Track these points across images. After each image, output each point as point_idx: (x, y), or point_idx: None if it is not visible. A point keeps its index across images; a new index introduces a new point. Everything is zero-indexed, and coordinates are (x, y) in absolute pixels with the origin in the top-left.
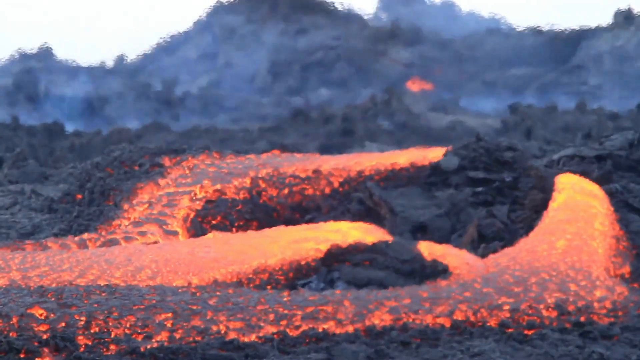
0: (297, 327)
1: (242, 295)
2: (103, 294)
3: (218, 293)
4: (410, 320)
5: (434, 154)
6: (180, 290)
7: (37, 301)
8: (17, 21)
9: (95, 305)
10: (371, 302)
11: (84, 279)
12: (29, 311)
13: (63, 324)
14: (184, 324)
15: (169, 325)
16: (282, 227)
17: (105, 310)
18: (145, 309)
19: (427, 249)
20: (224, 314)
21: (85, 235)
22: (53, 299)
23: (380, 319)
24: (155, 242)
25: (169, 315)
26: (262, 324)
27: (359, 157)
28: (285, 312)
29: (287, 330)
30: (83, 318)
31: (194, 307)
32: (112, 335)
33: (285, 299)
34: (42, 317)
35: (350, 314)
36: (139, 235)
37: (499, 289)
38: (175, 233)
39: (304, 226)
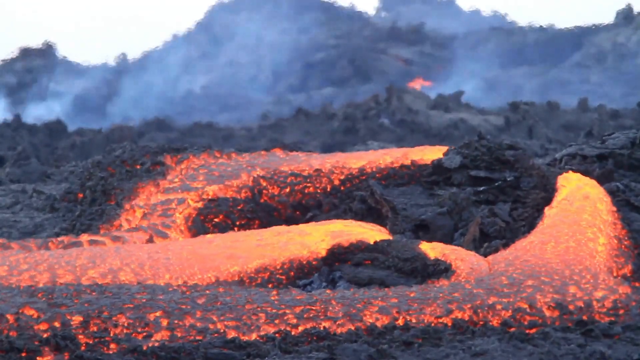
0: (295, 326)
1: (231, 294)
2: (93, 293)
3: (207, 292)
4: (399, 320)
5: (436, 152)
6: (170, 290)
7: (28, 301)
8: (20, 18)
9: (86, 305)
10: (359, 302)
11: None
12: (21, 310)
13: (59, 323)
14: (178, 323)
15: (164, 323)
16: (261, 230)
17: (96, 309)
18: (136, 308)
19: (429, 247)
20: (213, 313)
21: (85, 236)
22: (44, 299)
23: (373, 318)
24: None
25: (161, 313)
26: (252, 323)
27: (361, 155)
28: (274, 311)
29: (288, 329)
30: (78, 317)
31: (184, 306)
32: (111, 334)
33: (273, 298)
34: (35, 317)
35: (339, 313)
36: (112, 240)
37: (496, 290)
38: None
39: (304, 225)
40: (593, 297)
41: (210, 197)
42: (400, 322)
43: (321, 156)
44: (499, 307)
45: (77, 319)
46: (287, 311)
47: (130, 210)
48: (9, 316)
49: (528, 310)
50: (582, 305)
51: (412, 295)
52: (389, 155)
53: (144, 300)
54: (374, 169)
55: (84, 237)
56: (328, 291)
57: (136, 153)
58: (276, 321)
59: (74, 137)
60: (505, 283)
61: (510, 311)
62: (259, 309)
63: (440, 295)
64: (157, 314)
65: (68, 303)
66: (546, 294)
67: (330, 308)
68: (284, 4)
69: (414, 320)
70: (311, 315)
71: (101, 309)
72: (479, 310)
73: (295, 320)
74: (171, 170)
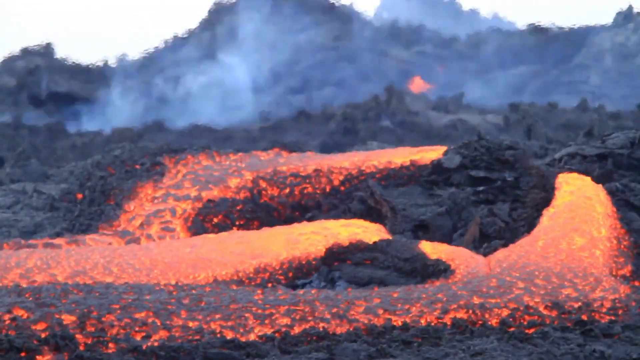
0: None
1: (216, 294)
2: (80, 293)
3: (194, 291)
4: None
5: (435, 152)
6: (157, 289)
7: (16, 301)
8: (20, 19)
9: (74, 305)
10: (342, 302)
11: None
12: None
13: (49, 323)
14: (167, 322)
15: (155, 323)
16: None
17: (85, 309)
18: (123, 308)
19: (429, 247)
20: (198, 313)
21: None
22: (31, 298)
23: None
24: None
25: (148, 313)
26: (242, 323)
27: (360, 155)
28: (259, 311)
29: (287, 329)
30: (69, 317)
31: (169, 307)
32: (109, 334)
33: (256, 297)
34: (25, 317)
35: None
36: (68, 243)
37: (481, 292)
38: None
39: (304, 224)
40: (592, 297)
41: (210, 198)
42: (384, 321)
43: (320, 156)
44: (486, 307)
45: (67, 319)
46: (273, 311)
47: (128, 213)
48: (3, 315)
49: (521, 310)
50: (580, 306)
51: (395, 295)
52: (389, 155)
53: (131, 300)
54: (373, 169)
55: (40, 240)
56: (313, 291)
57: (135, 153)
58: (266, 321)
59: (74, 138)
60: (494, 285)
61: (500, 312)
62: (243, 308)
63: (424, 296)
64: (143, 314)
65: (56, 303)
66: (537, 295)
67: (314, 308)
68: (284, 4)
69: (400, 321)
70: (299, 316)
71: (90, 308)
72: (466, 311)
73: (285, 320)
74: (169, 172)
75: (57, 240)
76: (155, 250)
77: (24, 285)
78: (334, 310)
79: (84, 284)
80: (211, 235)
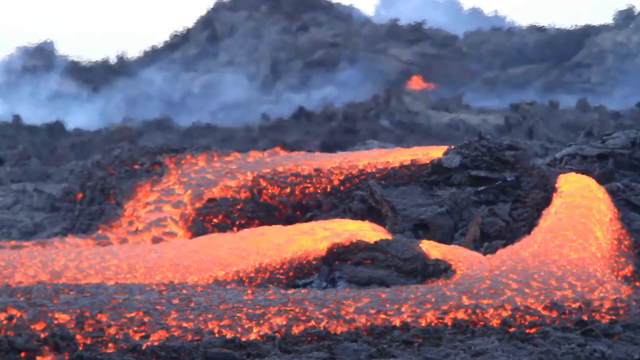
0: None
1: (206, 294)
2: (71, 293)
3: (184, 291)
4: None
5: (435, 152)
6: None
7: (8, 301)
8: (19, 18)
9: (65, 305)
10: (331, 302)
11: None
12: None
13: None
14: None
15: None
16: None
17: (77, 308)
18: (114, 308)
19: (429, 247)
20: (190, 313)
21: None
22: (23, 298)
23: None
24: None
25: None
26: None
27: (360, 155)
28: (250, 311)
29: (288, 329)
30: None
31: (159, 307)
32: (107, 334)
33: (246, 297)
34: (18, 316)
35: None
36: (34, 245)
37: (471, 293)
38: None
39: (304, 224)
40: (593, 298)
41: (210, 197)
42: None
43: (321, 156)
44: (477, 308)
45: (63, 318)
46: (263, 310)
47: (127, 214)
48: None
49: (521, 311)
50: (579, 306)
51: (383, 296)
52: (389, 155)
53: (121, 300)
54: (373, 169)
55: (7, 242)
56: (304, 291)
57: (135, 153)
58: (260, 321)
59: (74, 137)
60: (485, 287)
61: (501, 312)
62: (233, 308)
63: (412, 296)
64: (134, 313)
65: (48, 303)
66: (537, 296)
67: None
68: (284, 3)
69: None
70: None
71: (82, 309)
72: (465, 311)
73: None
74: (169, 172)
75: (25, 243)
76: (121, 254)
77: (14, 285)
78: (325, 310)
79: (74, 284)
80: (176, 241)
